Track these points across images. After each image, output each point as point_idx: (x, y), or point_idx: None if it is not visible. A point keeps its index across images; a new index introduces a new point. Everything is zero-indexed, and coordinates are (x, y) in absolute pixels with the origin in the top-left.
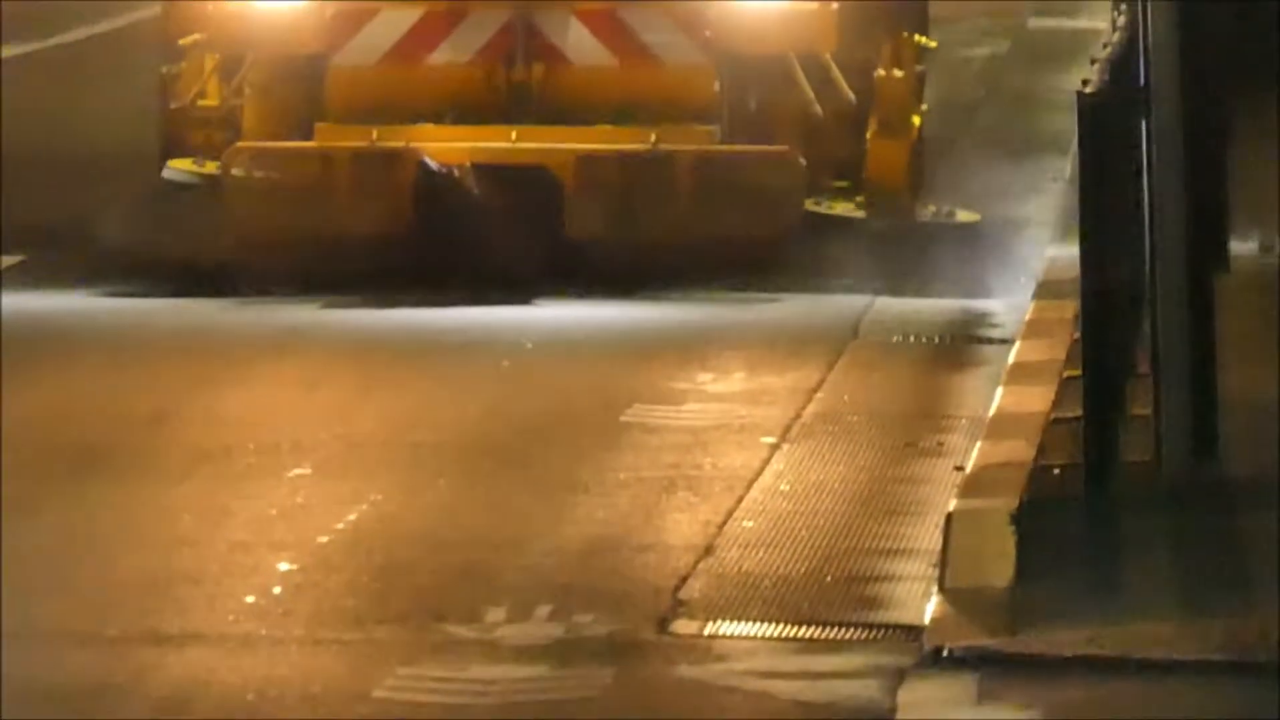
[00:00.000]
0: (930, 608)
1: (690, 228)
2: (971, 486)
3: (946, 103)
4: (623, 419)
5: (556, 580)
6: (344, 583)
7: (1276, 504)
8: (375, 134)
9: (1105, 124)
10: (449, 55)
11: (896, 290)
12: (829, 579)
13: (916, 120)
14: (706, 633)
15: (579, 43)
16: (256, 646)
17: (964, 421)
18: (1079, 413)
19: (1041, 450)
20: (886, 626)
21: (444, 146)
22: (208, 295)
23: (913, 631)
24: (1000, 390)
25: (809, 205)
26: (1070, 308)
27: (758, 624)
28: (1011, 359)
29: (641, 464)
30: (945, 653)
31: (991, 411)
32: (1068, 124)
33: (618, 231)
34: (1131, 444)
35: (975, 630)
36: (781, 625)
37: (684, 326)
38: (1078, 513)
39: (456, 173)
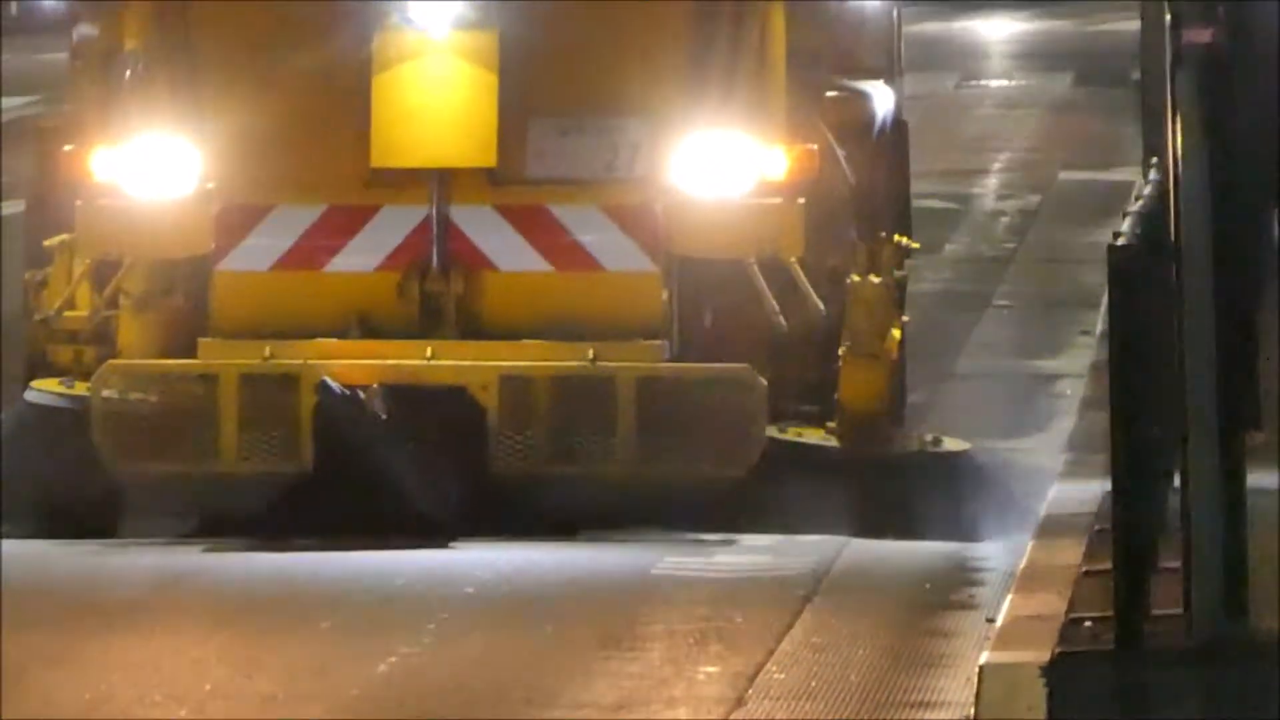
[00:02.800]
0: None
1: (634, 461)
2: (1003, 639)
3: (977, 256)
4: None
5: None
6: None
7: None
8: (268, 351)
9: (1136, 277)
10: (354, 260)
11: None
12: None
13: (897, 334)
14: None
15: (505, 245)
16: None
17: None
18: (1109, 565)
19: (1073, 603)
20: None
21: (348, 365)
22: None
23: None
24: (1030, 545)
25: (772, 433)
26: (1076, 552)
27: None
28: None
29: None
30: None
31: (1022, 564)
32: (1098, 278)
33: (549, 465)
34: (1163, 597)
35: None
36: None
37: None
38: (1109, 666)
39: (362, 396)
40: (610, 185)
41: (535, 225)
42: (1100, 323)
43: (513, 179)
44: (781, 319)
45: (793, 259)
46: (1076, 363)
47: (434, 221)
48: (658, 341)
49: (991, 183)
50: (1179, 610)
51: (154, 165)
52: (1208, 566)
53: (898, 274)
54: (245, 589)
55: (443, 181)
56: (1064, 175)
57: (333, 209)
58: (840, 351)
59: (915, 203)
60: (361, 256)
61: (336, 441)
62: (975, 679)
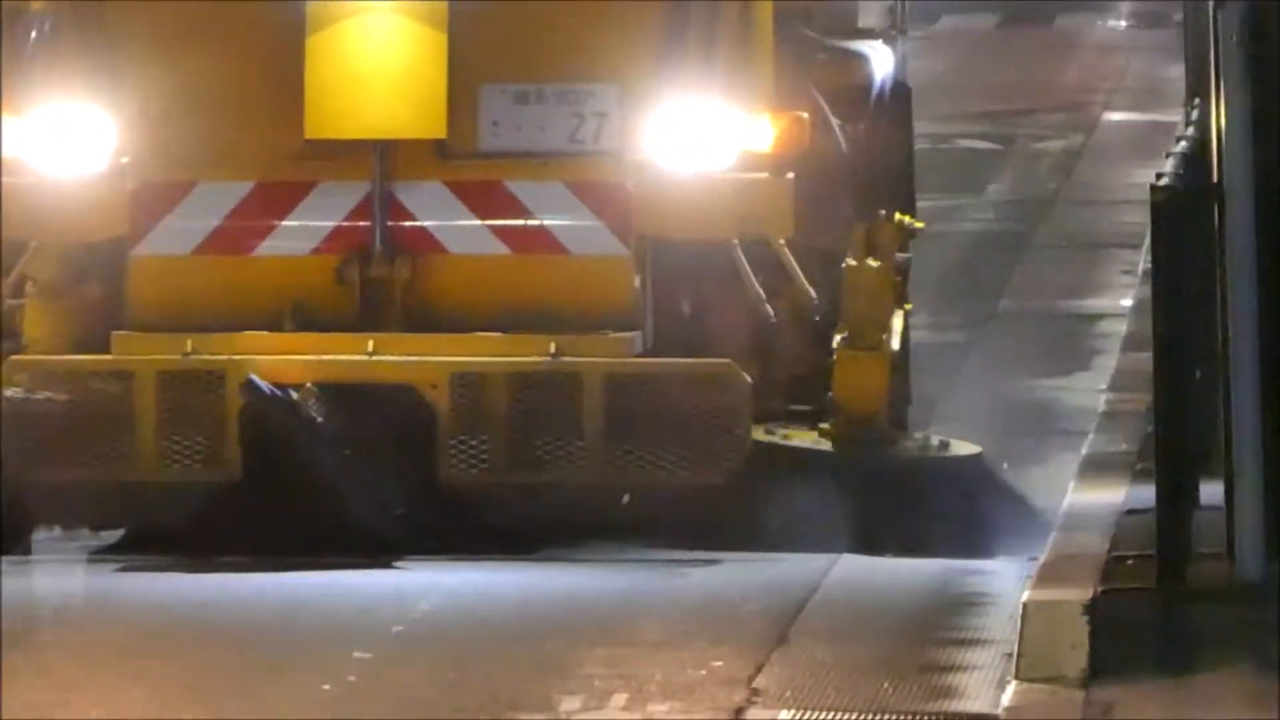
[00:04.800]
0: (1004, 698)
1: (602, 468)
2: (1045, 577)
3: (1021, 197)
4: None
5: (632, 670)
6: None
7: None
8: (189, 345)
9: (1178, 218)
10: (287, 243)
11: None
12: (903, 668)
13: (898, 324)
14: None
15: (456, 226)
16: None
17: None
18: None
19: (1115, 541)
20: (960, 716)
21: (279, 361)
22: None
23: None
24: (1072, 484)
25: (758, 435)
26: (1119, 490)
27: (832, 713)
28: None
29: None
30: None
31: (1064, 504)
32: (1140, 218)
33: (506, 473)
34: (1205, 537)
35: None
36: (856, 714)
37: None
38: (1151, 604)
39: (295, 396)
40: (575, 159)
41: (490, 204)
42: (1142, 262)
43: (464, 152)
44: (769, 308)
45: (781, 240)
46: (1118, 302)
47: (376, 200)
48: (629, 334)
49: (1034, 123)
50: (1221, 549)
51: (62, 138)
52: (1249, 505)
53: (899, 256)
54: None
55: (385, 155)
56: (1107, 116)
57: (262, 186)
58: (835, 344)
59: (957, 144)
60: (295, 239)
61: (266, 447)
62: (1018, 615)
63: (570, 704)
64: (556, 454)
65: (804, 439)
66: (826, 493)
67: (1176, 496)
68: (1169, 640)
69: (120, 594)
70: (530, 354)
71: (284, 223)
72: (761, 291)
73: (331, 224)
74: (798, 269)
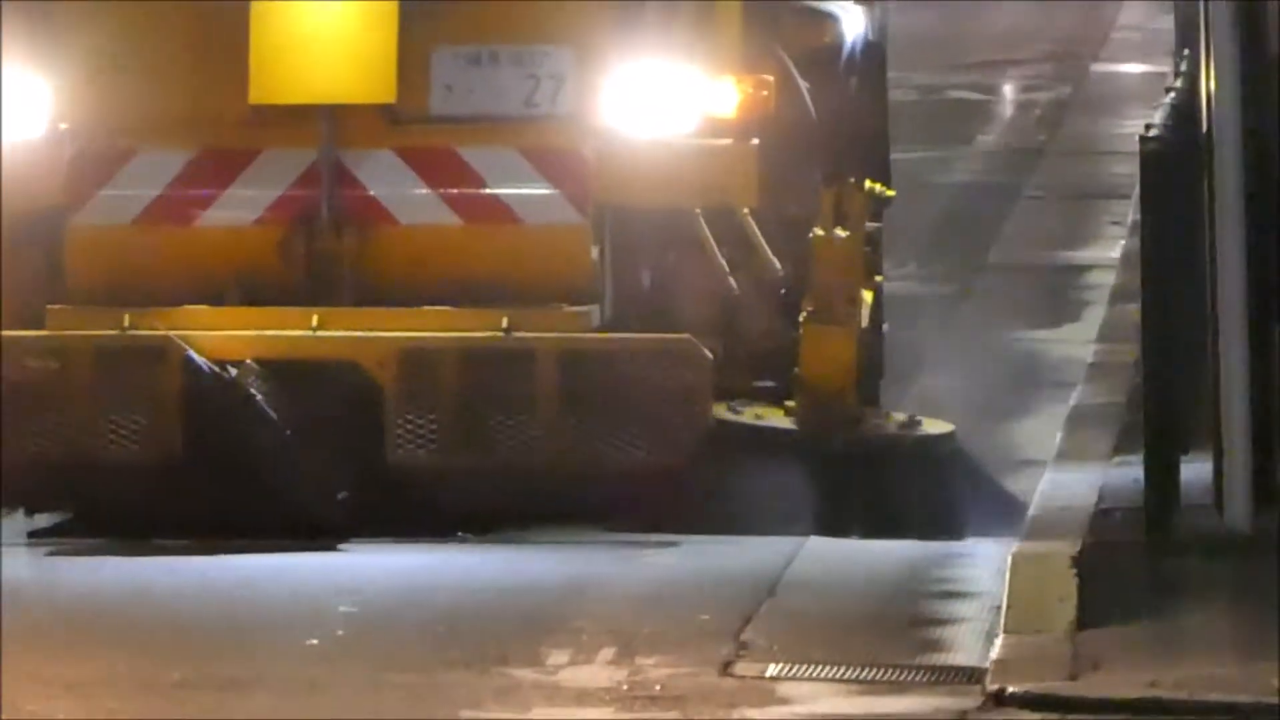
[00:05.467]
0: (992, 650)
1: (557, 448)
2: (1033, 529)
3: (1009, 148)
4: None
5: (620, 624)
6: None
7: None
8: (127, 320)
9: (1167, 170)
10: (230, 213)
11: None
12: (890, 621)
13: (868, 296)
14: (769, 675)
15: (406, 195)
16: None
17: None
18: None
19: (1102, 494)
20: (948, 669)
21: (221, 337)
22: None
23: (974, 674)
24: (1060, 436)
25: (720, 413)
26: (1106, 441)
27: (820, 666)
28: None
29: None
30: (1007, 695)
31: (1052, 456)
32: (1129, 169)
33: (456, 454)
34: (1192, 489)
35: (1037, 673)
36: (844, 667)
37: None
38: (1139, 557)
39: (235, 373)
40: (530, 124)
41: (442, 171)
42: (1131, 214)
43: (415, 117)
44: (732, 280)
45: (745, 209)
46: (1107, 253)
47: (323, 168)
48: (585, 307)
49: (1023, 74)
50: (1209, 502)
51: None
52: (1238, 457)
53: (870, 226)
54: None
55: (333, 121)
56: (1095, 67)
57: (205, 153)
58: (801, 318)
59: (947, 94)
60: (238, 209)
61: (206, 428)
62: (1006, 568)
63: (558, 657)
64: (509, 434)
65: (771, 417)
66: (790, 474)
67: (1164, 449)
68: (1157, 592)
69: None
70: (482, 329)
71: (227, 192)
72: (725, 263)
73: (277, 193)
74: (762, 240)
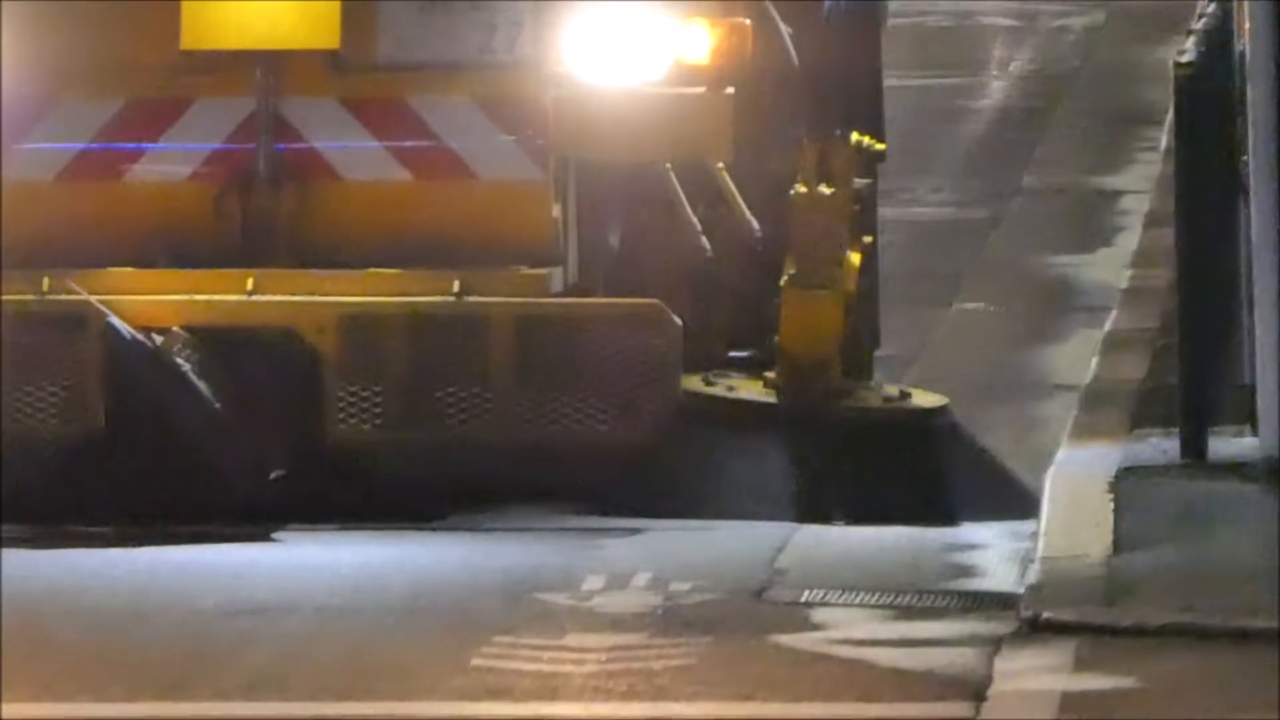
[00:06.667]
0: (1027, 576)
1: (513, 422)
2: (1068, 454)
3: (1041, 74)
4: None
5: (654, 550)
6: None
7: None
8: (46, 283)
9: (1200, 94)
10: (160, 167)
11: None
12: (923, 548)
13: (856, 259)
14: (803, 601)
15: (351, 148)
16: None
17: None
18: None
19: (1137, 418)
20: (982, 595)
21: (148, 302)
22: None
23: (1009, 600)
24: (1095, 360)
25: (693, 385)
26: (1140, 366)
27: (854, 592)
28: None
29: None
30: (1042, 621)
31: (1087, 379)
32: (1162, 94)
33: (403, 429)
34: (1228, 412)
35: (1072, 599)
36: (877, 594)
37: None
38: (1174, 480)
39: (161, 341)
40: (485, 72)
41: (389, 123)
42: (1164, 139)
43: (361, 65)
44: (705, 241)
45: (720, 164)
46: (1141, 178)
47: (261, 119)
48: (545, 270)
49: None
50: (1244, 426)
51: None
52: (1272, 379)
53: (858, 182)
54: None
55: (272, 68)
56: None
57: (133, 103)
58: (781, 282)
59: (979, 20)
60: (169, 163)
61: (129, 400)
62: (1041, 493)
63: (593, 583)
64: (460, 407)
65: (749, 389)
66: (767, 452)
67: (1199, 372)
68: (1192, 516)
69: None
70: (431, 293)
71: (156, 145)
72: (698, 223)
73: (210, 146)
74: (739, 197)
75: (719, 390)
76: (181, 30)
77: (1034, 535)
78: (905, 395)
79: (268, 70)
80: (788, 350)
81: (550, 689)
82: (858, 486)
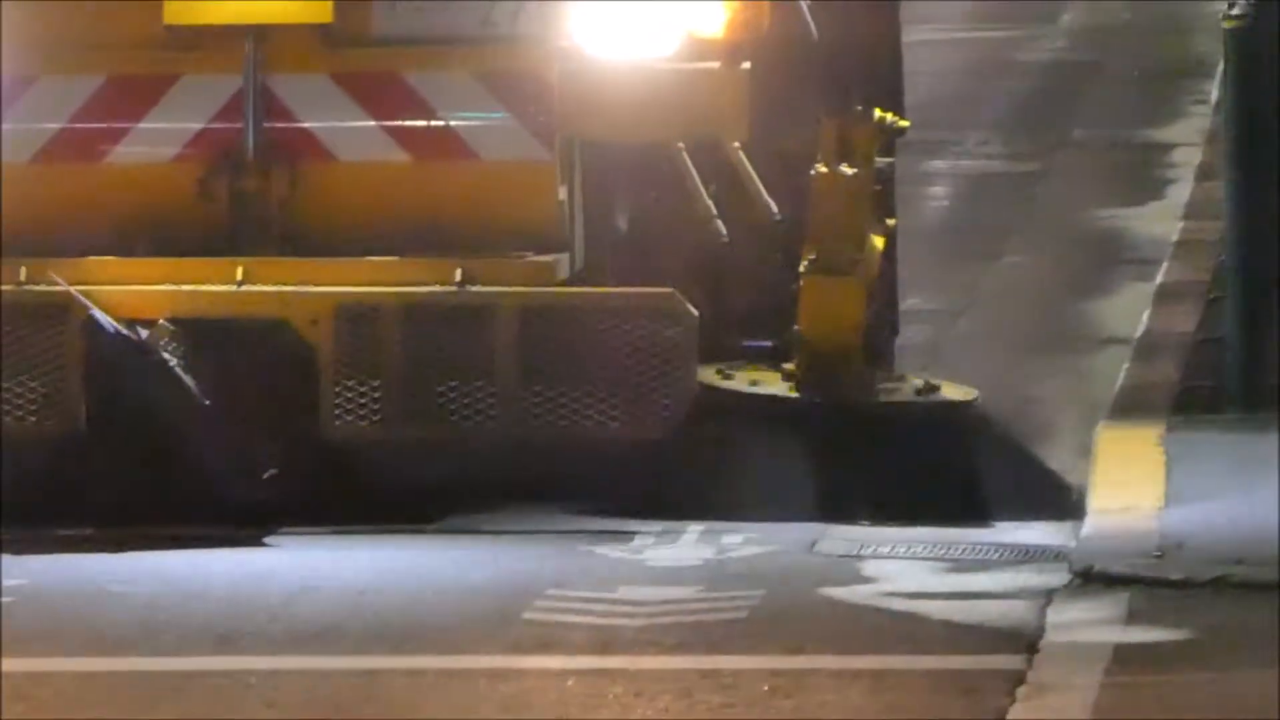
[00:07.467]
0: (1079, 530)
1: (517, 419)
2: (1119, 406)
3: (1090, 26)
4: None
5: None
6: None
7: None
8: (24, 273)
9: (1251, 47)
10: (143, 148)
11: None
12: (973, 505)
13: (879, 243)
14: (854, 554)
15: (345, 127)
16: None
17: None
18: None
19: (1188, 370)
20: (1034, 548)
21: (130, 292)
22: None
23: (1060, 553)
24: (1146, 314)
25: (709, 378)
26: (1191, 318)
27: (905, 545)
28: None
29: None
30: (1094, 574)
31: (1138, 332)
32: (1213, 47)
33: (402, 426)
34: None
35: (1123, 551)
36: (929, 545)
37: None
38: (1225, 433)
39: (147, 334)
40: (487, 46)
41: (386, 100)
42: (1215, 92)
43: (356, 39)
44: (720, 224)
45: (735, 143)
46: (1191, 131)
47: (249, 96)
48: (551, 257)
49: None
50: None
51: None
52: None
53: (880, 161)
54: None
55: (261, 43)
56: None
57: (114, 80)
58: (801, 267)
59: None
60: (152, 144)
61: (112, 397)
62: (1092, 447)
63: (645, 536)
64: (462, 403)
65: (763, 382)
66: (786, 447)
67: (1250, 324)
68: (1243, 469)
69: None
70: (431, 281)
71: (140, 125)
72: (712, 205)
73: (196, 126)
74: (756, 178)
75: (736, 383)
76: (165, 4)
77: (1084, 486)
78: (932, 387)
79: (256, 45)
80: (807, 340)
81: (602, 642)
82: (889, 484)
